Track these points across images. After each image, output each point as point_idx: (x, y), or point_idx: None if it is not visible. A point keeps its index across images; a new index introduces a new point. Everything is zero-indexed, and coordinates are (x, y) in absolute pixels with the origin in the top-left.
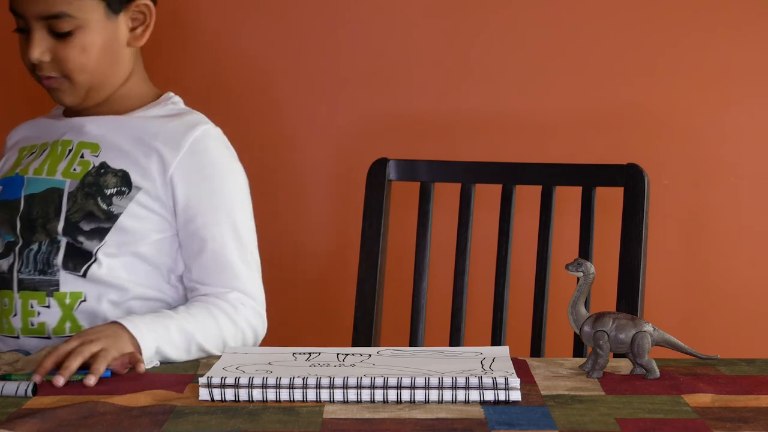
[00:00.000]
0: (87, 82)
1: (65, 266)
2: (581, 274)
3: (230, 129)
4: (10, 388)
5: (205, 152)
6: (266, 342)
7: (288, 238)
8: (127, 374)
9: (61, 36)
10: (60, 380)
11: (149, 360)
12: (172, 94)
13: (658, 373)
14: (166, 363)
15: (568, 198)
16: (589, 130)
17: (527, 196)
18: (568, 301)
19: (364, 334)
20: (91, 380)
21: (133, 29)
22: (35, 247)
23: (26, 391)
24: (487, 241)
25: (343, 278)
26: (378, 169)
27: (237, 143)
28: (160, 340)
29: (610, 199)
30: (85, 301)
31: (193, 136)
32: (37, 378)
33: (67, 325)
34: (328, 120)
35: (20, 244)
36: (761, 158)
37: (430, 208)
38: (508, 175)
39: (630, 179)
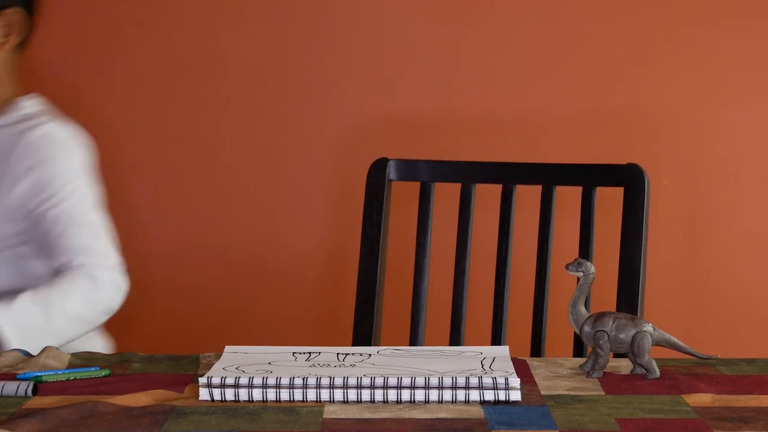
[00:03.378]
0: None
1: None
2: (581, 274)
3: (231, 130)
4: (10, 388)
5: (38, 151)
6: (266, 342)
7: (288, 238)
8: (127, 374)
9: None
10: None
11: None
12: (28, 96)
13: (658, 373)
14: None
15: (568, 198)
16: (589, 130)
17: (527, 196)
18: (568, 301)
19: (364, 334)
20: None
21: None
22: None
23: (26, 391)
24: (487, 241)
25: (343, 278)
26: (378, 169)
27: (237, 144)
28: (8, 312)
29: (610, 199)
30: None
31: (26, 140)
32: None
33: None
34: (327, 120)
35: None
36: (761, 158)
37: (430, 208)
38: (508, 175)
39: (630, 179)
